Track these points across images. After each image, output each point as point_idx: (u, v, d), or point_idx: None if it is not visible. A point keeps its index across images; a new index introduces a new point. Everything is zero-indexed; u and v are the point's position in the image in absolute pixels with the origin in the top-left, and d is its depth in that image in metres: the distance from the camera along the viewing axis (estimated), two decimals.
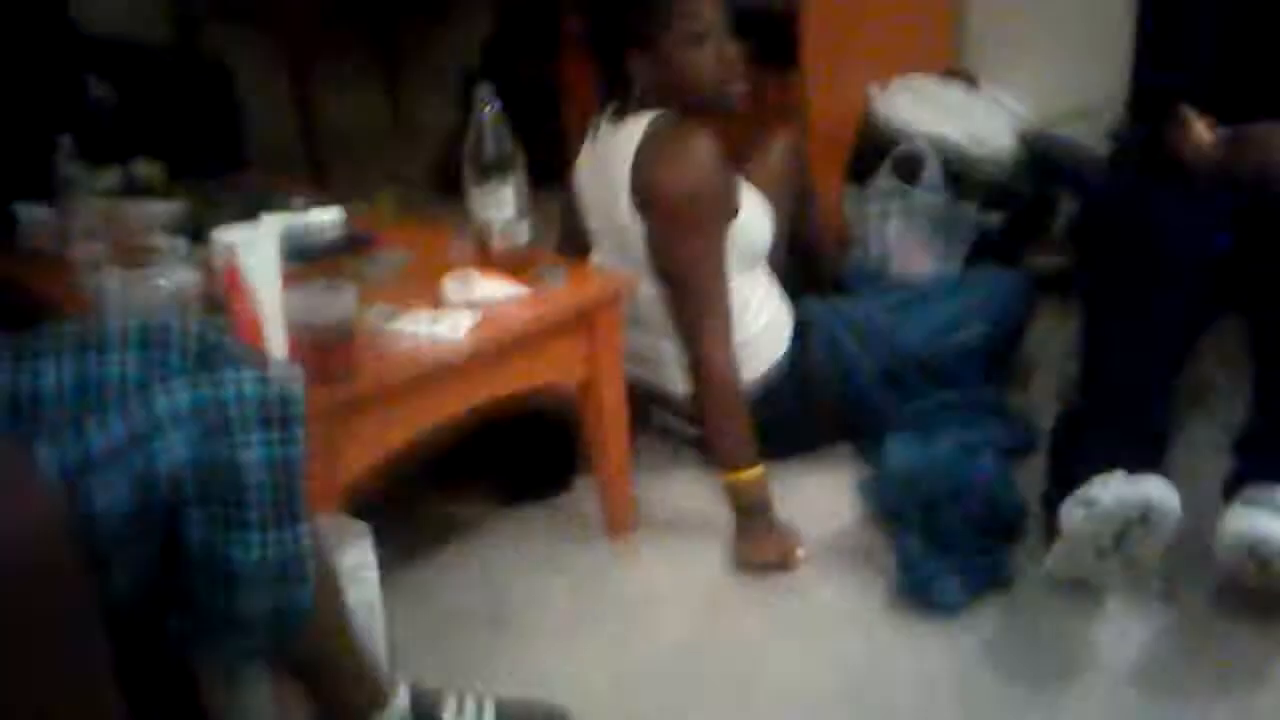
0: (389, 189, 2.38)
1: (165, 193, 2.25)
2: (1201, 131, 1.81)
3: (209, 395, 1.22)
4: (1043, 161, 2.59)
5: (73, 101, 2.77)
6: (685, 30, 1.94)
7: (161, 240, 1.95)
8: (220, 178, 2.46)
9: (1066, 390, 2.01)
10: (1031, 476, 1.94)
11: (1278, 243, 1.78)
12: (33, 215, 2.12)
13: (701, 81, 1.97)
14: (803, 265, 2.36)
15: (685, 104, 1.98)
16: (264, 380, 1.26)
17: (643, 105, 1.99)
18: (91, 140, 2.23)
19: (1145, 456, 1.75)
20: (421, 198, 3.19)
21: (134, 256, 1.87)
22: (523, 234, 1.90)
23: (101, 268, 1.82)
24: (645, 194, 1.95)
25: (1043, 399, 2.23)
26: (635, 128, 1.97)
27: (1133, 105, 2.04)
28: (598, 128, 2.08)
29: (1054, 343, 2.37)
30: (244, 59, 3.46)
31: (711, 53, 1.96)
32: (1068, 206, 2.65)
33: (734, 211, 2.00)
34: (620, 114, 2.01)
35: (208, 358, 1.30)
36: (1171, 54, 1.94)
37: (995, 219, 2.59)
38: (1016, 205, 2.60)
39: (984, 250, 2.57)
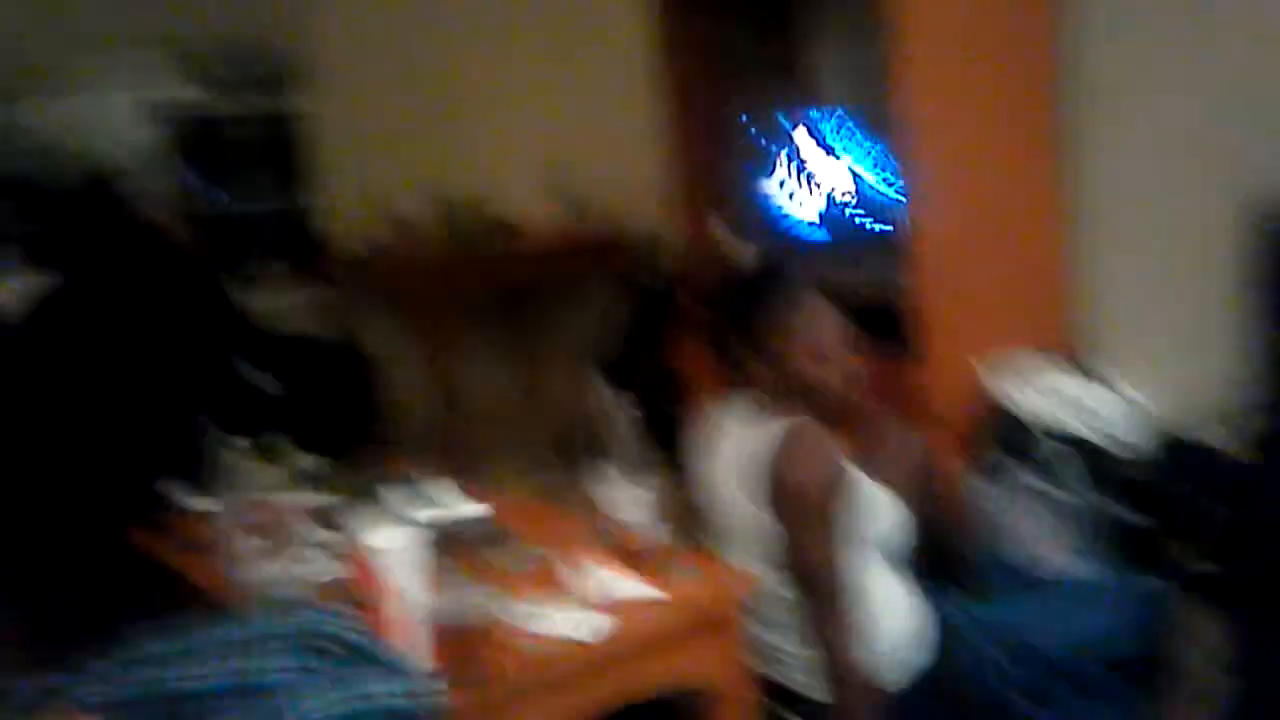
0: (526, 480, 2.46)
1: (323, 484, 2.35)
2: None
3: (352, 698, 1.25)
4: (1185, 458, 2.55)
5: (230, 384, 2.96)
6: (807, 348, 2.03)
7: (315, 533, 2.03)
8: (373, 466, 2.58)
9: (1213, 703, 1.92)
10: None
11: None
12: (179, 491, 2.23)
13: (823, 394, 2.03)
14: (937, 560, 2.33)
15: (812, 401, 2.04)
16: (402, 686, 1.29)
17: (769, 399, 2.05)
18: (242, 420, 2.38)
19: None
20: (548, 473, 3.27)
21: (287, 549, 1.95)
22: (658, 535, 1.94)
23: (255, 559, 1.91)
24: (775, 490, 1.98)
25: (1195, 712, 2.12)
26: (772, 428, 2.02)
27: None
28: (720, 418, 2.14)
29: (1203, 653, 2.26)
30: (395, 350, 3.70)
31: (834, 369, 2.03)
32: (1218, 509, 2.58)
33: (857, 509, 2.01)
34: (748, 407, 2.08)
35: (356, 663, 1.35)
36: None
37: (1139, 518, 2.53)
38: (1162, 504, 2.55)
39: (1131, 549, 2.51)
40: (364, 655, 1.36)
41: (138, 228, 3.11)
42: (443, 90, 4.39)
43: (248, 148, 4.52)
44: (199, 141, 4.44)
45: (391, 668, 1.35)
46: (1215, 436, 2.48)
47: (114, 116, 4.30)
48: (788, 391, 2.04)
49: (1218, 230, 2.60)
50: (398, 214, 4.20)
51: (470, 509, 2.13)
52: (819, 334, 2.03)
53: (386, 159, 4.36)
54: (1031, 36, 2.87)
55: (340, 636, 1.39)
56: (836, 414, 2.05)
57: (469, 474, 2.34)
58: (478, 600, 1.60)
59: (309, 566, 1.90)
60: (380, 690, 1.28)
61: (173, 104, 4.42)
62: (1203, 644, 2.24)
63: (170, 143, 4.32)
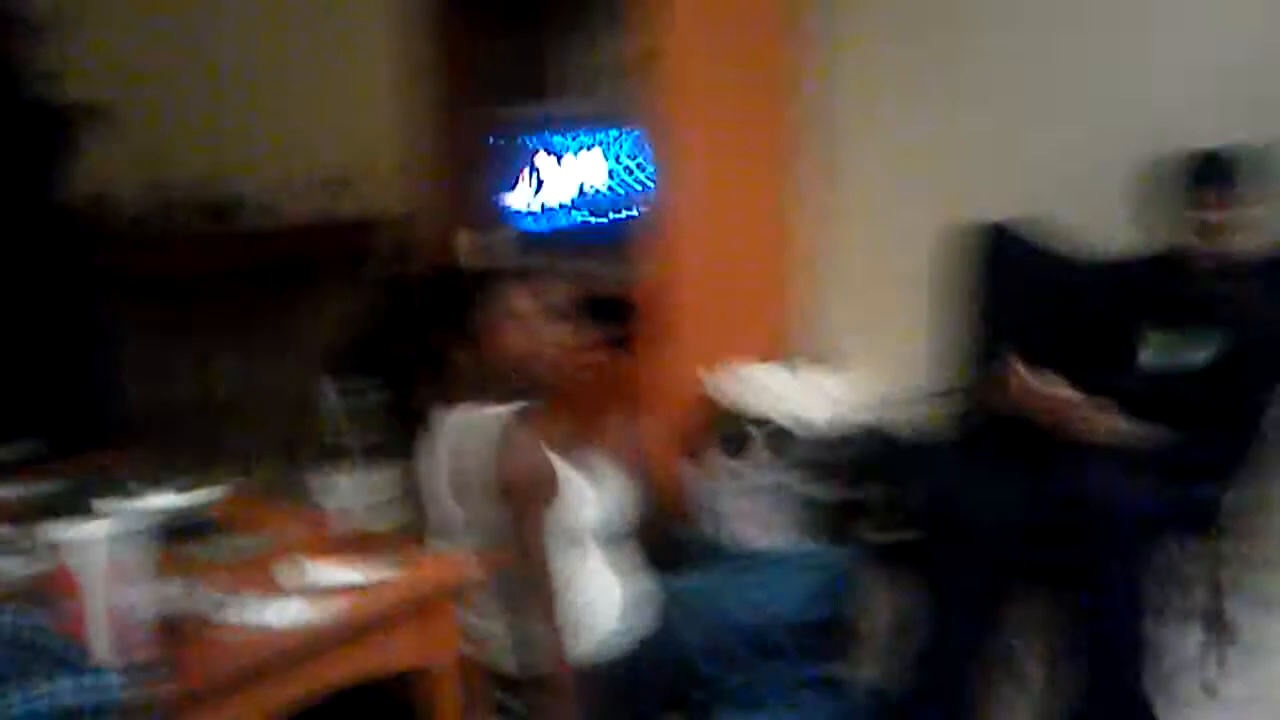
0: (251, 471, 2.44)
1: (27, 477, 2.26)
2: (1025, 374, 2.04)
3: (40, 710, 1.24)
4: (866, 442, 2.79)
5: None
6: (498, 323, 2.11)
7: (11, 529, 1.96)
8: (97, 455, 2.48)
9: (890, 663, 2.11)
10: None
11: (1077, 521, 1.96)
12: None
13: (533, 378, 2.12)
14: (654, 540, 2.45)
15: (521, 388, 2.11)
16: (82, 683, 1.28)
17: (476, 397, 2.12)
18: None
19: None
20: (274, 464, 3.23)
21: None
22: (374, 524, 1.97)
23: None
24: (486, 485, 2.05)
25: (870, 672, 2.32)
26: (477, 422, 2.09)
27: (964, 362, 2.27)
28: (440, 414, 2.20)
29: (884, 616, 2.48)
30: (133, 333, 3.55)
31: (544, 352, 2.12)
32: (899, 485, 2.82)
33: (553, 493, 2.09)
34: (449, 402, 2.14)
35: (40, 662, 1.33)
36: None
37: (827, 493, 2.75)
38: (847, 481, 2.78)
39: (818, 523, 2.72)
40: (49, 653, 1.34)
41: None
42: (181, 72, 4.23)
43: None
44: None
45: (79, 665, 1.34)
46: (905, 422, 2.72)
47: None
48: (499, 379, 2.11)
49: (925, 246, 2.86)
50: (113, 194, 4.02)
51: (177, 502, 2.11)
52: (525, 316, 2.10)
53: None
54: (779, 56, 3.05)
55: (21, 635, 1.36)
56: (548, 398, 2.13)
57: (191, 466, 2.31)
58: (180, 594, 1.60)
59: (2, 563, 1.84)
60: (67, 688, 1.27)
61: None
62: (883, 607, 2.45)
63: None
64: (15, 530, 1.97)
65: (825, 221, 3.18)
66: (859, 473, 2.76)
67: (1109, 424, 2.22)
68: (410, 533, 2.19)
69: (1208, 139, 2.39)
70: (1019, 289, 2.63)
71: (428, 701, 1.95)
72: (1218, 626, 2.24)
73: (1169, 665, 2.12)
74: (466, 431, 2.09)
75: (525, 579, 2.02)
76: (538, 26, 3.51)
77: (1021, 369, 2.21)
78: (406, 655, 1.91)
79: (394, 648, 1.89)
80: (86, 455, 2.46)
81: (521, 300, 2.12)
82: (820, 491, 2.72)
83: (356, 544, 1.95)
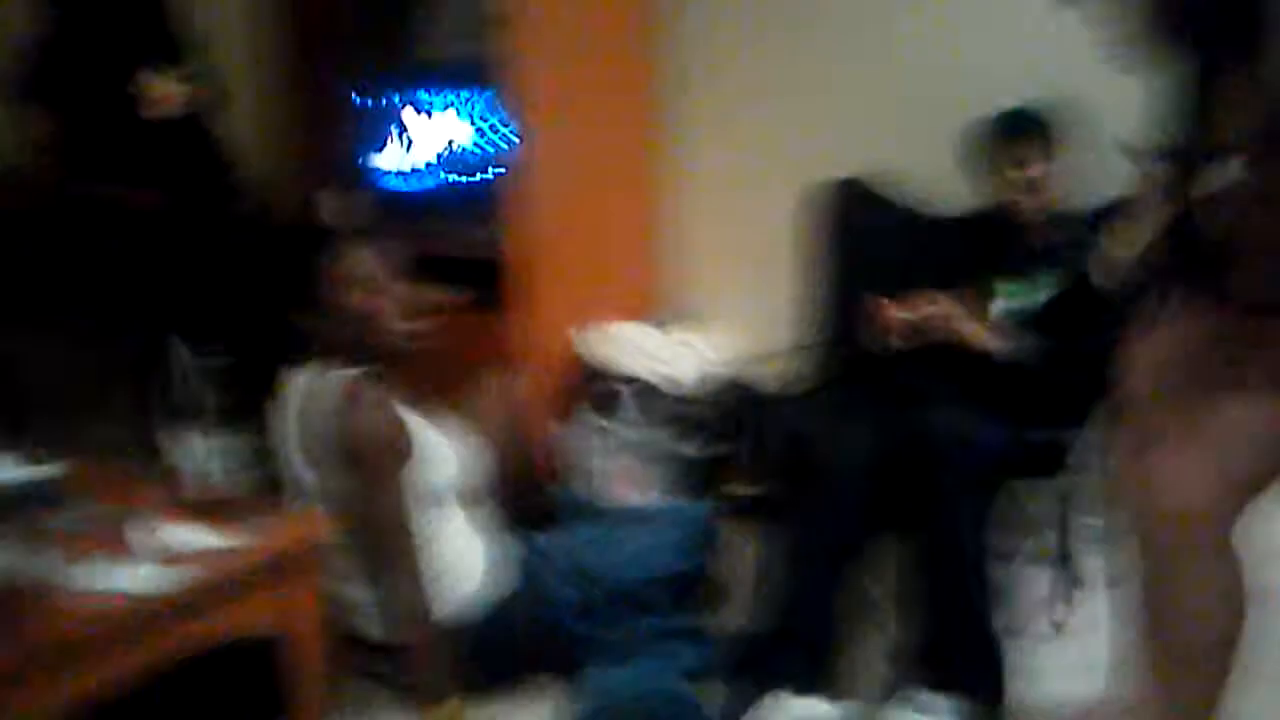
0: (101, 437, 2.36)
1: None
2: (891, 310, 2.11)
3: None
4: (730, 398, 2.84)
5: None
6: (337, 284, 2.10)
7: None
8: None
9: (752, 611, 2.17)
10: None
11: (924, 462, 2.03)
12: None
13: (361, 326, 2.10)
14: (520, 498, 2.47)
15: (366, 352, 2.10)
16: None
17: (331, 360, 2.10)
18: None
19: (813, 671, 1.91)
20: (123, 429, 3.13)
21: None
22: (231, 487, 1.94)
23: None
24: (337, 449, 2.04)
25: (734, 621, 2.36)
26: (324, 384, 2.07)
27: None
28: (290, 376, 2.17)
29: (746, 567, 2.54)
30: None
31: (362, 298, 2.10)
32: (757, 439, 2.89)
33: (407, 454, 2.09)
34: (297, 364, 2.12)
35: None
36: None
37: (693, 449, 2.79)
38: (712, 436, 2.83)
39: (685, 479, 2.76)
40: None
41: None
42: None
43: None
44: None
45: None
46: (768, 376, 2.78)
47: None
48: (345, 341, 2.09)
49: (786, 205, 2.91)
50: None
51: (22, 471, 2.03)
52: (368, 278, 2.09)
53: None
54: (637, 20, 3.07)
55: None
56: (395, 359, 2.12)
57: (37, 435, 2.23)
58: (18, 559, 1.55)
59: None
60: None
61: None
62: (740, 557, 2.51)
63: None
64: None
65: (688, 182, 3.22)
66: (722, 427, 2.81)
67: (980, 331, 2.34)
68: (266, 496, 2.16)
69: (1020, 98, 2.51)
70: (870, 241, 2.71)
71: (289, 667, 1.93)
72: (1064, 566, 2.34)
73: (1021, 605, 2.22)
74: (313, 394, 2.07)
75: (383, 541, 2.01)
76: None
77: (886, 302, 2.30)
78: (265, 620, 1.89)
79: (252, 612, 1.86)
80: None
81: (364, 262, 2.11)
82: (687, 448, 2.76)
83: (212, 507, 1.92)
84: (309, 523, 2.04)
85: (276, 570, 1.88)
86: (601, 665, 2.10)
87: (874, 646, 2.16)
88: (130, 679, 1.70)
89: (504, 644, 2.15)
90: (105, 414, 3.10)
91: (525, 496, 2.52)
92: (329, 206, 3.24)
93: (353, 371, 2.08)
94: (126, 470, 2.15)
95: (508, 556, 2.23)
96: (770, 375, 2.81)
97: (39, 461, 2.06)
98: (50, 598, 1.64)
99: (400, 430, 2.07)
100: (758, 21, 3.07)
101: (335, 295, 2.10)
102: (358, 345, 2.10)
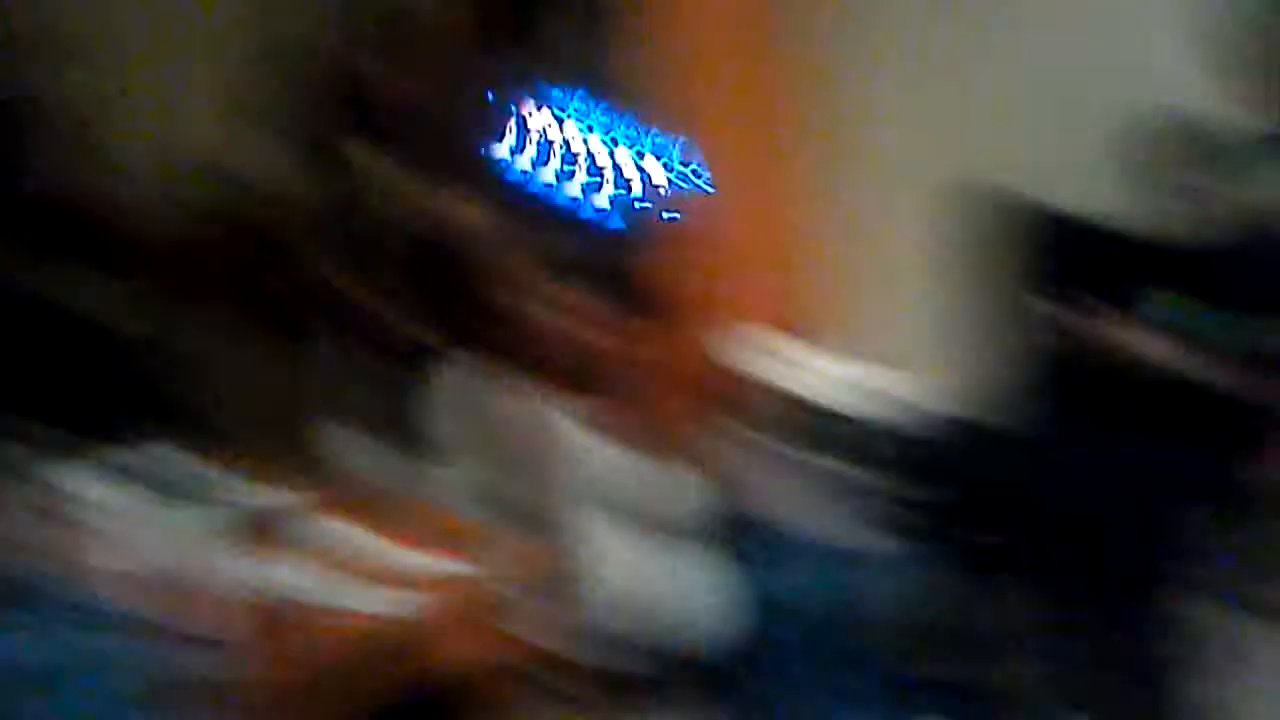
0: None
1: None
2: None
3: (156, 683, 1.33)
4: (945, 435, 2.72)
5: None
6: (524, 288, 2.16)
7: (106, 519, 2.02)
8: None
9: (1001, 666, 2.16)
10: None
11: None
12: None
13: (560, 353, 2.14)
14: (726, 537, 2.43)
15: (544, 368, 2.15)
16: (208, 670, 1.38)
17: (500, 371, 2.16)
18: None
19: None
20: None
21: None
22: (459, 512, 2.05)
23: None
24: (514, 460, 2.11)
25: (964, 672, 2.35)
26: (504, 397, 2.15)
27: None
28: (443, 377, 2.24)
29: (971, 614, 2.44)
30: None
31: (569, 326, 2.15)
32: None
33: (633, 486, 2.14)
34: (480, 373, 2.18)
35: (153, 640, 1.41)
36: None
37: (911, 490, 2.63)
38: (930, 477, 2.68)
39: (907, 522, 2.58)
40: (161, 633, 1.42)
41: None
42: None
43: None
44: None
45: (190, 644, 1.42)
46: (969, 407, 2.74)
47: None
48: (522, 353, 2.12)
49: (941, 219, 2.79)
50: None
51: (272, 491, 2.17)
52: (563, 303, 2.13)
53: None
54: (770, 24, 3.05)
55: (137, 617, 1.44)
56: (574, 373, 2.13)
57: (276, 458, 2.35)
58: (279, 579, 1.67)
59: (100, 553, 1.90)
60: (179, 665, 1.35)
61: None
62: (946, 605, 2.42)
63: None
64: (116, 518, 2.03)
65: (841, 198, 3.17)
66: (941, 467, 2.69)
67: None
68: (496, 522, 2.25)
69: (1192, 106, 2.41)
70: (1027, 250, 2.61)
71: (505, 689, 1.99)
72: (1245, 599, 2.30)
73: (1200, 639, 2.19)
74: (499, 406, 2.12)
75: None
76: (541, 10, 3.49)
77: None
78: (494, 645, 1.95)
79: (477, 636, 1.92)
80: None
81: (558, 284, 2.15)
82: (904, 488, 2.65)
83: (444, 531, 2.01)
84: (533, 548, 2.09)
85: (506, 596, 1.96)
86: (824, 713, 2.09)
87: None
88: (376, 701, 1.76)
89: (722, 685, 2.13)
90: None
91: (734, 535, 2.47)
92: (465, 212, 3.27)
93: (559, 397, 2.11)
94: (365, 494, 2.27)
95: (729, 595, 2.21)
96: (971, 404, 2.77)
97: (283, 483, 2.21)
98: (308, 617, 1.74)
99: (624, 459, 2.11)
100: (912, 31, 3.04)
101: (518, 311, 2.14)
102: (532, 365, 2.13)
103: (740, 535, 2.51)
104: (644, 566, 2.18)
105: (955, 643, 2.33)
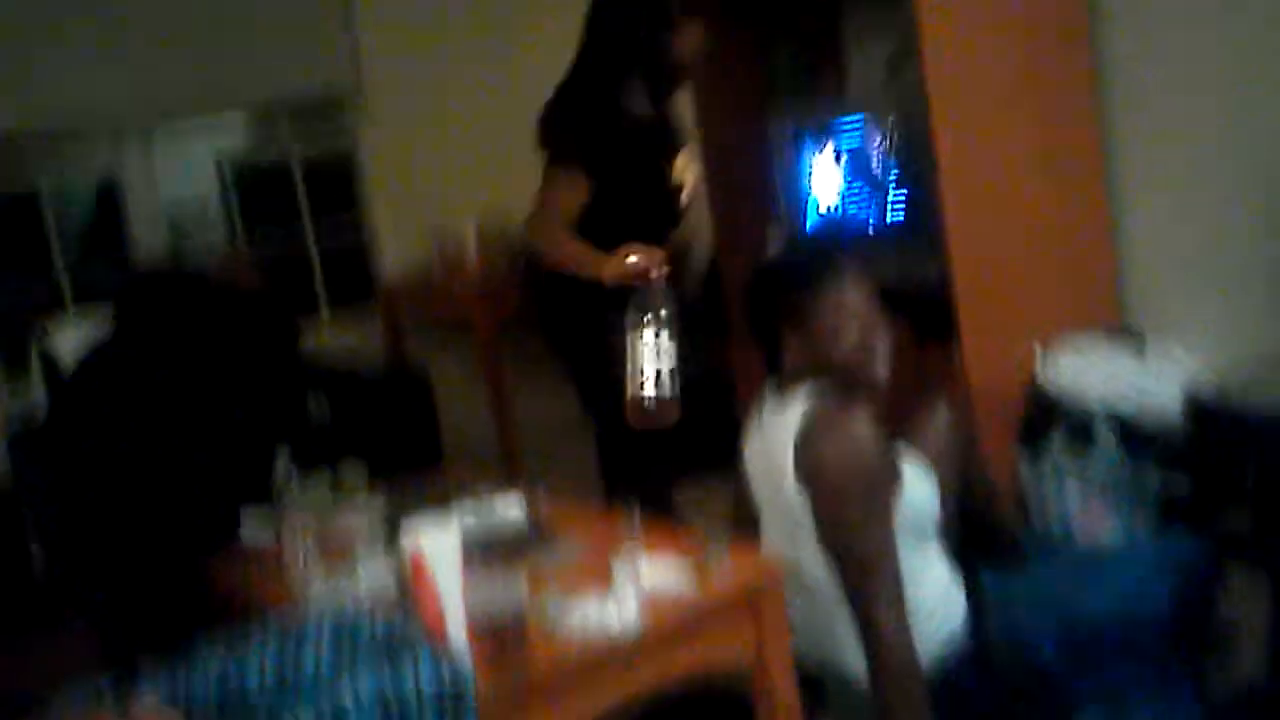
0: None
1: (367, 493, 2.47)
2: None
3: (390, 686, 1.34)
4: (1220, 419, 2.54)
5: (295, 418, 3.10)
6: (833, 315, 2.07)
7: (360, 537, 2.13)
8: (418, 476, 2.68)
9: (1257, 664, 1.91)
10: None
11: None
12: (251, 519, 2.37)
13: (848, 360, 2.08)
14: (978, 534, 2.35)
15: (836, 381, 2.08)
16: (439, 673, 1.37)
17: (796, 382, 2.10)
18: (307, 450, 2.51)
19: None
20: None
21: (336, 555, 2.05)
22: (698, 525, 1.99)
23: (307, 566, 2.01)
24: (807, 471, 2.02)
25: (1241, 672, 2.11)
26: (796, 409, 2.07)
27: None
28: (761, 408, 2.19)
29: (1241, 612, 2.25)
30: (444, 368, 3.81)
31: (856, 332, 2.07)
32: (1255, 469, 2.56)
33: (895, 484, 2.04)
34: (779, 392, 2.13)
35: (392, 649, 1.43)
36: None
37: (1180, 481, 2.52)
38: (1201, 465, 2.54)
39: (1173, 513, 2.50)
40: (398, 640, 1.44)
41: (203, 282, 3.27)
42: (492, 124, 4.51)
43: (306, 187, 4.68)
44: (259, 184, 4.65)
45: (429, 659, 1.43)
46: (1254, 398, 2.46)
47: (189, 167, 4.56)
48: (818, 370, 2.08)
49: (1252, 202, 2.61)
50: (450, 243, 4.34)
51: (508, 505, 2.21)
52: (848, 310, 2.07)
53: (439, 191, 4.51)
54: (1065, 24, 2.89)
55: (374, 626, 1.48)
56: (867, 390, 2.09)
57: (520, 482, 2.43)
58: (516, 596, 1.68)
59: (367, 578, 1.99)
60: (409, 669, 1.36)
61: (237, 151, 4.65)
62: (1242, 603, 2.24)
63: (232, 186, 4.53)
64: (381, 546, 2.13)
65: (1138, 178, 2.93)
66: (1212, 456, 2.52)
67: None
68: (736, 534, 2.20)
69: None
70: None
71: (762, 700, 1.94)
72: None
73: None
74: (789, 419, 2.06)
75: (868, 577, 1.97)
76: (824, 35, 3.49)
77: None
78: (739, 650, 1.92)
79: (727, 643, 1.90)
80: (406, 475, 2.65)
81: (855, 293, 2.09)
82: (1171, 479, 2.50)
83: (683, 545, 1.98)
84: (775, 558, 2.05)
85: (747, 605, 1.92)
86: (1094, 713, 1.93)
87: None
88: (612, 714, 1.78)
89: (985, 690, 2.04)
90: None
91: (985, 533, 2.40)
92: (775, 242, 3.31)
93: (822, 399, 2.07)
94: (599, 511, 2.29)
95: (973, 593, 2.12)
96: (1258, 393, 2.48)
97: (532, 501, 2.25)
98: (546, 632, 1.76)
99: (873, 451, 2.04)
100: (1201, 27, 2.76)
101: (813, 328, 2.09)
102: (840, 377, 2.08)
103: (1000, 537, 2.37)
104: (948, 582, 2.14)
105: (1213, 635, 2.16)
